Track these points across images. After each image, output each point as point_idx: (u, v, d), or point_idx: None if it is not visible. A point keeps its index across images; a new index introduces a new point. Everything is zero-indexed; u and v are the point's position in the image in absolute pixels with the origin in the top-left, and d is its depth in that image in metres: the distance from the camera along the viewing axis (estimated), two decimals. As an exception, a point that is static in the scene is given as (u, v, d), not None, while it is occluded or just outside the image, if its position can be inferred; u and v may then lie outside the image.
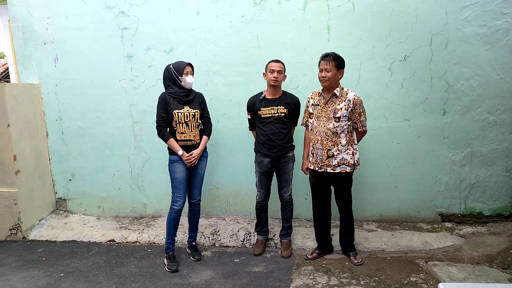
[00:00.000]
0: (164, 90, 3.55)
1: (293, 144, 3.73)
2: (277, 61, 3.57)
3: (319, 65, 3.36)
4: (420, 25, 3.87)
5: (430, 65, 3.92)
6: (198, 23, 4.23)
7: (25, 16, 4.53)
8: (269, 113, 3.59)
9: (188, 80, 3.46)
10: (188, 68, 3.48)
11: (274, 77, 3.51)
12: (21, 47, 4.60)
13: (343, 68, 3.36)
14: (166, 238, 3.62)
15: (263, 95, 3.64)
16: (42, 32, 4.52)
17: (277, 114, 3.57)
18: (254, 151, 3.77)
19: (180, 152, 3.46)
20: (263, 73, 3.65)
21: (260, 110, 3.61)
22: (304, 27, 4.06)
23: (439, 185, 4.10)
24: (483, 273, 3.15)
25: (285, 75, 3.66)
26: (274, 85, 3.56)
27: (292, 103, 3.64)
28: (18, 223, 4.31)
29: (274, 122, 3.58)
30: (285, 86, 3.94)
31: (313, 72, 3.42)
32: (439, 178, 4.09)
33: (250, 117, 3.76)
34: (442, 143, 4.03)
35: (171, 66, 3.49)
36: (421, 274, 3.25)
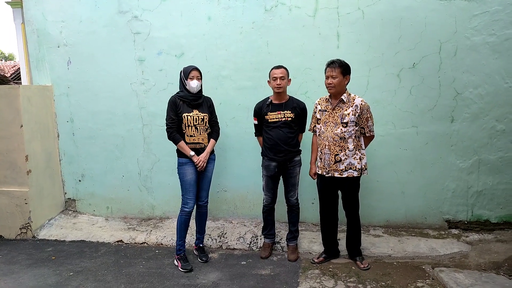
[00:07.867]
0: (173, 94, 3.60)
1: (299, 148, 3.76)
2: (278, 67, 3.59)
3: (325, 72, 3.41)
4: (429, 33, 3.91)
5: (439, 72, 3.95)
6: (209, 29, 4.30)
7: (40, 20, 4.63)
8: (276, 118, 3.62)
9: (191, 85, 3.50)
10: (194, 73, 3.52)
11: (277, 84, 3.55)
12: (35, 50, 4.69)
13: (349, 74, 3.40)
14: (177, 240, 3.65)
15: (269, 100, 3.69)
16: (56, 35, 4.61)
17: (284, 119, 3.61)
18: (261, 155, 3.81)
19: (192, 153, 3.51)
20: (268, 81, 3.70)
21: (267, 115, 3.65)
22: (313, 34, 4.11)
23: (446, 192, 4.11)
24: (490, 279, 3.16)
25: (290, 79, 3.68)
26: (279, 92, 3.60)
27: (298, 108, 3.67)
28: (28, 222, 4.37)
29: (280, 127, 3.62)
30: (294, 92, 3.99)
31: (322, 78, 3.46)
32: (446, 185, 4.10)
33: (257, 123, 3.79)
34: (450, 150, 4.05)
35: (182, 69, 3.57)
36: (427, 280, 3.26)
